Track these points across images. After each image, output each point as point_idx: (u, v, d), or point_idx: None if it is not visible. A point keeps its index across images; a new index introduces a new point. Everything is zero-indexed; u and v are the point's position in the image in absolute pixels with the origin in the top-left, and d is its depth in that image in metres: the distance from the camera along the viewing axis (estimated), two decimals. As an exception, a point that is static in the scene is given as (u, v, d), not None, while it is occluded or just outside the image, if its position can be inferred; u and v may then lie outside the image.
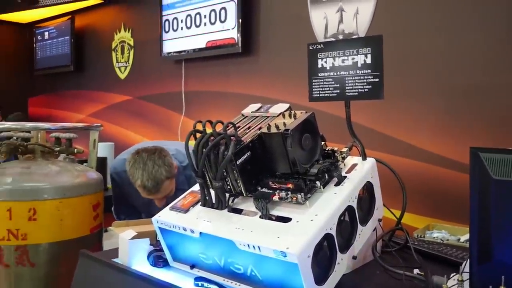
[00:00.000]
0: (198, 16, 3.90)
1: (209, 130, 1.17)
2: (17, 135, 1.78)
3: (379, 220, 1.30)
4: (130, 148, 2.29)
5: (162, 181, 1.89)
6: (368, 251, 1.29)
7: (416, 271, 1.20)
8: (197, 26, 3.91)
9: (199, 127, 1.19)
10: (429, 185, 2.60)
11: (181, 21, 4.04)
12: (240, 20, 3.54)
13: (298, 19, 3.21)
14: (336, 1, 3.00)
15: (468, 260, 1.02)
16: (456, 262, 1.29)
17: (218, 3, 3.71)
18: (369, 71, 1.22)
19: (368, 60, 1.22)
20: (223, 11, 3.69)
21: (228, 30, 3.64)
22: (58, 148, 1.78)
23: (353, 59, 1.24)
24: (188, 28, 3.99)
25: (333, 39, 2.98)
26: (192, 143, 1.18)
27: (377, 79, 1.20)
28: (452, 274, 1.14)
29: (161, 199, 1.99)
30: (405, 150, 2.68)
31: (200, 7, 3.87)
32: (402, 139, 2.72)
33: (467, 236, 2.01)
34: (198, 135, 1.18)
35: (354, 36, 2.89)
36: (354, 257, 1.17)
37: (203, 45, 3.85)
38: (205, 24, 3.84)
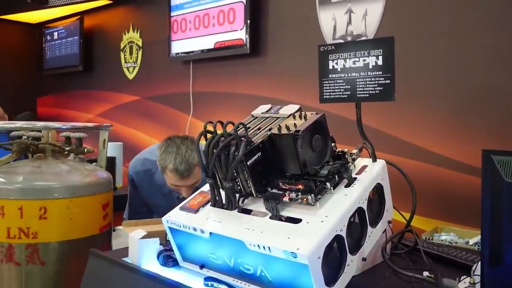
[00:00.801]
0: (206, 17, 3.91)
1: (219, 130, 1.18)
2: (27, 134, 1.79)
3: (389, 222, 1.30)
4: (147, 149, 2.32)
5: (194, 165, 1.95)
6: (377, 253, 1.29)
7: (426, 273, 1.20)
8: (205, 27, 3.92)
9: (210, 127, 1.20)
10: (437, 188, 2.59)
11: (190, 21, 4.06)
12: (249, 21, 3.54)
13: (306, 20, 3.22)
14: (344, 2, 3.00)
15: (479, 263, 1.02)
16: (466, 265, 1.29)
17: (226, 4, 3.72)
18: (380, 72, 1.22)
19: (380, 62, 1.22)
20: (231, 12, 3.70)
21: (237, 31, 3.65)
22: (69, 148, 1.79)
23: (364, 60, 1.24)
24: (196, 28, 4.00)
25: (341, 41, 2.98)
26: (202, 143, 1.18)
27: (388, 81, 1.20)
28: (462, 277, 1.14)
29: (189, 188, 2.00)
30: (413, 152, 2.68)
31: (209, 8, 3.88)
32: (410, 141, 2.71)
33: (476, 239, 2.00)
34: (208, 135, 1.19)
35: (362, 38, 2.89)
36: (364, 259, 1.17)
37: (211, 46, 3.86)
38: (213, 25, 3.85)
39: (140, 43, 4.75)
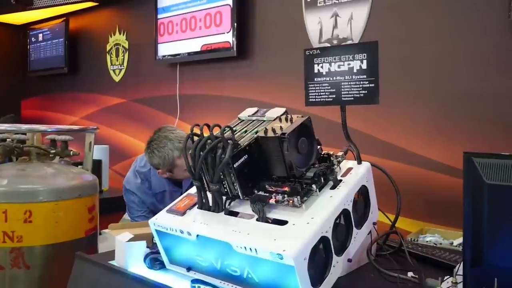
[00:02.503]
0: (193, 20, 3.91)
1: (206, 133, 1.18)
2: (12, 137, 1.78)
3: (374, 224, 1.32)
4: (135, 162, 2.33)
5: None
6: (363, 254, 1.30)
7: (410, 274, 1.22)
8: (192, 30, 3.92)
9: (197, 130, 1.20)
10: (423, 190, 2.62)
11: (176, 24, 4.05)
12: (235, 24, 3.55)
13: (293, 23, 3.24)
14: (330, 6, 3.02)
15: (461, 263, 1.04)
16: (449, 265, 1.31)
17: (213, 7, 3.73)
18: (365, 76, 1.23)
19: (364, 66, 1.23)
20: (218, 14, 3.71)
21: (223, 34, 3.65)
22: (54, 151, 1.78)
23: (349, 64, 1.26)
24: (183, 31, 4.00)
25: (327, 44, 3.01)
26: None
27: (372, 85, 1.22)
28: (445, 277, 1.16)
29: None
30: (399, 154, 2.71)
31: (196, 11, 3.88)
32: (396, 143, 2.75)
33: (460, 240, 2.03)
34: (195, 138, 1.19)
35: (348, 41, 2.92)
36: (350, 260, 1.19)
37: (198, 49, 3.86)
38: (200, 27, 3.85)
39: (126, 45, 4.73)
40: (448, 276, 1.16)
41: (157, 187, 2.27)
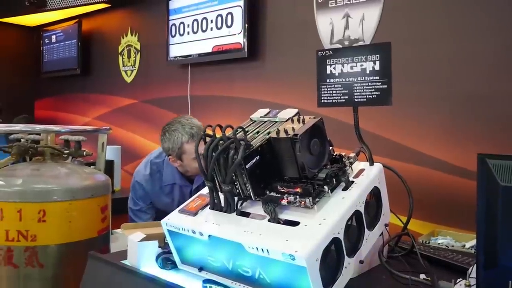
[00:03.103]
0: (204, 21, 3.93)
1: (218, 134, 1.19)
2: (26, 137, 1.80)
3: (386, 225, 1.31)
4: (149, 155, 2.38)
5: (201, 127, 2.12)
6: (374, 255, 1.30)
7: (422, 276, 1.21)
8: (203, 31, 3.94)
9: (209, 131, 1.21)
10: (434, 191, 2.60)
11: (188, 25, 4.07)
12: (247, 25, 3.56)
13: (304, 24, 3.24)
14: (342, 7, 3.02)
15: (475, 265, 1.03)
16: (462, 268, 1.30)
17: (224, 8, 3.74)
18: (377, 77, 1.23)
19: (377, 67, 1.23)
20: (229, 16, 3.72)
21: (234, 35, 3.67)
22: (67, 151, 1.79)
23: (361, 65, 1.26)
24: (194, 32, 4.02)
25: (339, 45, 3.00)
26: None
27: (385, 86, 1.22)
28: (458, 280, 1.15)
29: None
30: (410, 156, 2.69)
31: (207, 12, 3.90)
32: (407, 145, 2.73)
33: (472, 243, 2.02)
34: (207, 139, 1.20)
35: (360, 42, 2.91)
36: (361, 262, 1.18)
37: (209, 50, 3.88)
38: (211, 29, 3.87)
39: (138, 47, 4.76)
40: (461, 279, 1.16)
41: (168, 178, 2.27)
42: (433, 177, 2.60)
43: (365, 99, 1.26)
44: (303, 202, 1.11)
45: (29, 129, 1.77)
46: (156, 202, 2.34)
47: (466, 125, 2.50)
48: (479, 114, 2.45)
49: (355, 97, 1.27)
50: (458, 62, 2.53)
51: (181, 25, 4.13)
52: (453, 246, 2.02)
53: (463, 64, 2.52)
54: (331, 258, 1.08)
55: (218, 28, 3.81)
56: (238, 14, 3.64)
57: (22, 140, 1.76)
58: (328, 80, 1.32)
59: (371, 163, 1.31)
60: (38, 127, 1.75)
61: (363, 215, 1.19)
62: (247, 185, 1.15)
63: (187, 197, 2.24)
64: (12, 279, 1.55)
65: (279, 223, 1.12)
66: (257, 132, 1.26)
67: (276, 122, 1.30)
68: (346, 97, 1.29)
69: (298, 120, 1.24)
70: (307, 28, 3.20)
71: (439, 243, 2.05)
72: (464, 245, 2.04)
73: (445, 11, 2.59)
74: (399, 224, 1.47)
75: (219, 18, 3.80)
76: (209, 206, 1.25)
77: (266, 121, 1.33)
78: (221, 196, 1.22)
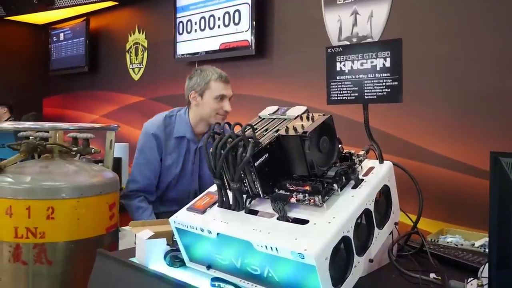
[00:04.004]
0: (212, 18, 3.92)
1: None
2: (35, 134, 1.80)
3: (396, 224, 1.30)
4: (154, 117, 2.39)
5: None
6: (384, 254, 1.29)
7: (432, 275, 1.20)
8: (211, 28, 3.93)
9: (217, 128, 1.21)
10: (443, 189, 2.58)
11: (195, 23, 4.07)
12: (254, 23, 3.55)
13: (312, 21, 3.22)
14: (350, 4, 3.00)
15: (487, 265, 1.02)
16: (473, 267, 1.28)
17: (232, 6, 3.74)
18: (388, 74, 1.22)
19: (387, 64, 1.22)
20: (237, 13, 3.71)
21: (242, 33, 3.66)
22: (76, 148, 1.80)
23: (372, 62, 1.24)
24: (202, 30, 4.02)
25: (347, 42, 2.99)
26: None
27: (396, 83, 1.21)
28: (469, 279, 1.14)
29: (229, 100, 2.26)
30: (418, 153, 2.67)
31: (214, 10, 3.89)
32: (415, 142, 2.71)
33: (481, 241, 2.00)
34: (216, 136, 1.19)
35: (368, 39, 2.89)
36: (371, 260, 1.17)
37: (216, 47, 3.87)
38: (219, 26, 3.87)
39: (145, 44, 4.77)
40: (472, 278, 1.14)
41: (179, 130, 2.30)
42: (442, 175, 2.58)
43: (375, 96, 1.25)
44: (312, 200, 1.10)
45: (37, 127, 1.78)
46: (164, 156, 2.31)
47: (477, 123, 2.48)
48: (490, 112, 2.43)
49: (365, 94, 1.26)
50: (468, 59, 2.51)
51: (189, 23, 4.13)
52: (462, 245, 2.00)
53: (473, 62, 2.49)
54: (341, 257, 1.07)
55: (225, 26, 3.81)
56: (246, 12, 3.63)
57: (30, 137, 1.77)
58: (337, 77, 1.31)
59: (381, 161, 1.29)
60: (47, 124, 1.75)
61: (373, 213, 1.18)
62: (255, 183, 1.15)
63: (191, 155, 2.33)
64: (21, 276, 1.56)
65: (288, 221, 1.11)
66: (266, 130, 1.25)
67: (285, 119, 1.29)
68: (356, 94, 1.28)
69: (307, 118, 1.22)
70: (315, 25, 3.19)
71: (448, 242, 2.03)
72: (474, 244, 2.02)
73: (454, 8, 2.56)
74: (407, 223, 1.46)
75: (227, 15, 3.80)
76: (217, 204, 1.25)
77: (274, 119, 1.32)
78: (230, 194, 1.22)
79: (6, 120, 4.91)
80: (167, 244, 1.33)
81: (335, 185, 1.14)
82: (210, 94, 2.22)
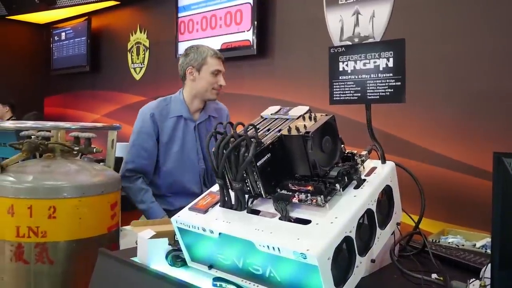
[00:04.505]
0: (213, 18, 3.92)
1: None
2: (36, 134, 1.80)
3: (398, 224, 1.30)
4: (149, 103, 2.43)
5: None
6: (386, 254, 1.29)
7: (434, 275, 1.20)
8: (212, 28, 3.93)
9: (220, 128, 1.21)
10: (444, 190, 2.58)
11: (197, 22, 4.07)
12: (256, 22, 3.55)
13: (313, 21, 3.22)
14: (352, 4, 3.00)
15: (489, 265, 1.02)
16: (475, 268, 1.28)
17: (233, 5, 3.74)
18: (391, 74, 1.22)
19: (390, 64, 1.22)
20: (238, 13, 3.71)
21: (244, 32, 3.66)
22: (77, 148, 1.80)
23: (374, 62, 1.24)
24: (203, 29, 4.02)
25: (349, 42, 2.99)
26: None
27: (399, 83, 1.20)
28: (471, 279, 1.14)
29: (224, 75, 2.37)
30: (420, 153, 2.67)
31: (216, 9, 3.89)
32: (417, 142, 2.71)
33: (483, 242, 2.00)
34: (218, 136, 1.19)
35: (370, 39, 2.89)
36: (373, 261, 1.17)
37: (218, 47, 3.87)
38: (220, 26, 3.87)
39: (147, 44, 4.77)
40: (474, 279, 1.14)
41: (175, 110, 2.34)
42: (443, 175, 2.58)
43: (378, 97, 1.25)
44: (314, 200, 1.10)
45: (39, 126, 1.78)
46: (161, 136, 2.33)
47: (478, 123, 2.47)
48: (492, 112, 2.43)
49: (368, 94, 1.26)
50: (469, 59, 2.51)
51: (190, 22, 4.13)
52: (463, 245, 2.00)
53: (474, 62, 2.49)
54: (343, 257, 1.07)
55: (227, 25, 3.81)
56: (247, 11, 3.63)
57: (32, 137, 1.77)
58: (340, 77, 1.31)
59: (383, 161, 1.29)
60: (49, 124, 1.75)
61: (375, 213, 1.17)
62: (258, 182, 1.15)
63: (189, 134, 2.37)
64: (22, 275, 1.56)
65: (290, 221, 1.11)
66: (268, 130, 1.25)
67: (287, 119, 1.29)
68: (359, 94, 1.28)
69: (310, 118, 1.22)
70: (316, 25, 3.19)
71: (449, 242, 2.03)
72: (475, 245, 2.02)
73: (456, 8, 2.56)
74: (409, 223, 1.45)
75: (228, 15, 3.80)
76: (219, 204, 1.25)
77: (277, 119, 1.32)
78: (232, 193, 1.22)
79: (8, 119, 4.91)
80: (169, 244, 1.33)
81: (337, 185, 1.14)
82: (207, 69, 2.30)
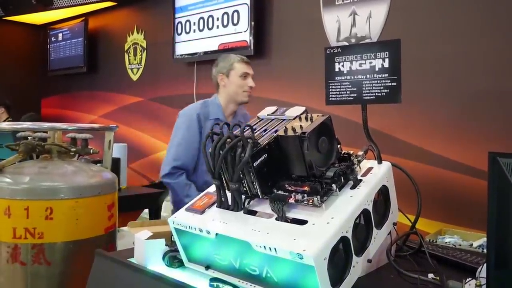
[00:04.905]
0: (210, 19, 3.92)
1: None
2: (33, 135, 1.80)
3: (394, 224, 1.30)
4: (191, 105, 2.53)
5: None
6: (382, 254, 1.29)
7: (431, 275, 1.20)
8: (209, 29, 3.93)
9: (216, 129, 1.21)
10: (441, 190, 2.59)
11: (194, 23, 4.07)
12: (253, 23, 3.55)
13: (310, 22, 3.22)
14: (349, 5, 3.00)
15: (485, 265, 1.02)
16: (471, 268, 1.29)
17: (231, 6, 3.74)
18: (387, 75, 1.22)
19: (386, 64, 1.22)
20: (235, 14, 3.71)
21: (241, 33, 3.66)
22: (74, 149, 1.80)
23: (370, 63, 1.25)
24: (200, 30, 4.02)
25: (346, 43, 2.99)
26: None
27: (394, 83, 1.21)
28: (467, 279, 1.14)
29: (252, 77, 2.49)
30: (417, 154, 2.68)
31: (213, 10, 3.89)
32: (413, 142, 2.72)
33: (479, 242, 2.00)
34: (215, 137, 1.19)
35: (367, 40, 2.90)
36: (369, 261, 1.18)
37: (215, 48, 3.87)
38: (217, 26, 3.87)
39: (144, 45, 4.77)
40: (470, 278, 1.15)
41: (213, 113, 2.48)
42: (441, 176, 2.58)
43: (374, 97, 1.25)
44: (311, 201, 1.10)
45: (36, 127, 1.77)
46: (202, 136, 2.42)
47: (475, 123, 2.48)
48: (488, 112, 2.43)
49: (364, 94, 1.26)
50: (466, 60, 2.51)
51: (187, 23, 4.13)
52: (460, 245, 2.00)
53: (472, 62, 2.50)
54: (339, 257, 1.07)
55: (224, 26, 3.81)
56: (245, 12, 3.63)
57: (29, 138, 1.76)
58: (336, 78, 1.31)
59: (380, 162, 1.30)
60: (46, 125, 1.75)
61: (371, 213, 1.18)
62: (254, 183, 1.15)
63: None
64: (19, 277, 1.56)
65: (286, 221, 1.11)
66: (265, 130, 1.25)
67: (284, 120, 1.29)
68: (355, 94, 1.28)
69: (306, 118, 1.22)
70: (313, 25, 3.19)
71: (446, 242, 2.03)
72: (472, 244, 2.03)
73: (453, 8, 2.57)
74: (406, 223, 1.46)
75: (225, 16, 3.80)
76: (216, 205, 1.25)
77: (273, 119, 1.32)
78: (228, 194, 1.22)
79: (4, 121, 4.90)
80: (166, 245, 1.33)
81: (334, 186, 1.14)
82: (235, 73, 2.46)
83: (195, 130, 2.41)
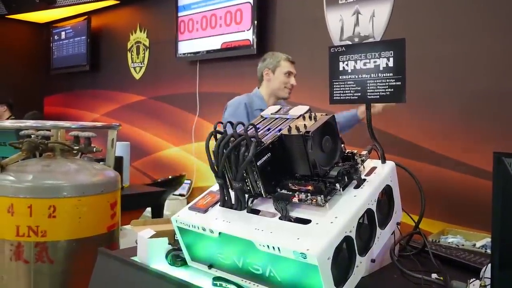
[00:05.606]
0: (213, 18, 3.92)
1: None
2: (36, 133, 1.80)
3: (398, 224, 1.30)
4: (237, 97, 2.69)
5: None
6: (386, 254, 1.28)
7: (434, 275, 1.20)
8: (212, 27, 3.93)
9: (220, 128, 1.20)
10: (444, 190, 2.58)
11: (197, 22, 4.07)
12: (256, 22, 3.55)
13: (313, 21, 3.22)
14: (352, 4, 3.00)
15: (489, 265, 1.01)
16: (475, 268, 1.28)
17: (233, 5, 3.73)
18: (391, 74, 1.22)
19: (390, 63, 1.22)
20: (238, 12, 3.71)
21: (243, 32, 3.66)
22: (77, 147, 1.80)
23: (375, 62, 1.24)
24: (203, 29, 4.01)
25: (349, 42, 2.98)
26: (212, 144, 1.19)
27: (399, 83, 1.20)
28: (471, 279, 1.13)
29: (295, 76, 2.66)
30: (420, 154, 2.67)
31: (216, 9, 3.89)
32: (418, 143, 2.71)
33: (482, 242, 2.00)
34: (218, 136, 1.19)
35: (370, 39, 2.89)
36: (373, 260, 1.17)
37: (218, 46, 3.87)
38: (220, 25, 3.86)
39: (147, 43, 4.77)
40: (474, 279, 1.14)
41: (258, 104, 2.64)
42: (444, 176, 2.58)
43: (378, 96, 1.24)
44: (314, 200, 1.10)
45: (39, 125, 1.78)
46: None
47: (478, 123, 2.47)
48: (492, 112, 2.42)
49: (368, 94, 1.26)
50: (469, 59, 2.50)
51: (190, 22, 4.13)
52: (463, 245, 2.00)
53: (474, 62, 2.49)
54: (343, 257, 1.07)
55: (227, 25, 3.80)
56: (247, 11, 3.62)
57: (32, 136, 1.77)
58: (340, 77, 1.31)
59: (383, 161, 1.29)
60: (49, 123, 1.75)
61: (375, 213, 1.17)
62: (258, 182, 1.14)
63: None
64: (22, 275, 1.56)
65: (290, 221, 1.11)
66: (268, 129, 1.25)
67: (287, 119, 1.29)
68: (359, 94, 1.27)
69: (310, 117, 1.22)
70: (316, 25, 3.19)
71: (449, 242, 2.03)
72: (475, 244, 2.02)
73: (456, 8, 2.56)
74: (409, 223, 1.45)
75: (228, 14, 3.79)
76: (219, 203, 1.24)
77: (277, 118, 1.31)
78: (232, 193, 1.21)
79: (7, 119, 4.91)
80: (169, 243, 1.33)
81: (338, 185, 1.14)
82: (280, 70, 2.64)
83: (243, 116, 2.56)
